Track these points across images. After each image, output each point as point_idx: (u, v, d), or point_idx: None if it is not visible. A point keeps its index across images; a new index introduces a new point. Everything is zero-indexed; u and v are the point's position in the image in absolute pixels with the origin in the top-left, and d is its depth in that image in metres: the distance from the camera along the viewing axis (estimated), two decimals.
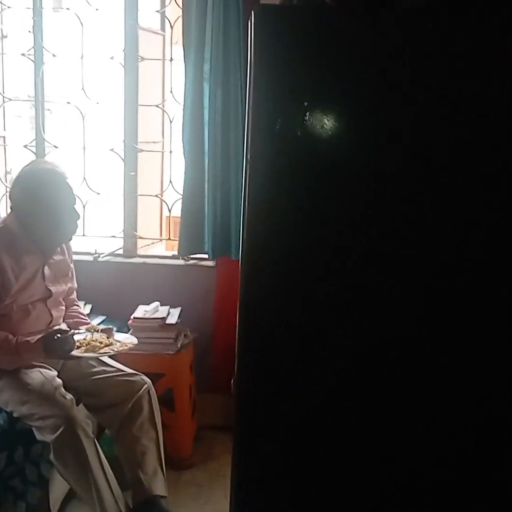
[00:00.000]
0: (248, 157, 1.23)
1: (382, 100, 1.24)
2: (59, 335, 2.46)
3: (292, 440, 1.49)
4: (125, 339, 2.72)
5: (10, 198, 2.63)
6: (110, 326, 2.77)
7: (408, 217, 1.30)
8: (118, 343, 2.65)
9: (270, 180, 1.26)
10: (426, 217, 1.29)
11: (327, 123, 1.20)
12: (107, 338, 2.65)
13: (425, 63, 1.23)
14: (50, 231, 2.62)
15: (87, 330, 2.69)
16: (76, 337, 2.53)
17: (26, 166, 2.64)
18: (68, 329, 2.58)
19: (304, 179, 1.25)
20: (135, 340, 2.72)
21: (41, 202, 2.55)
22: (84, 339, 2.60)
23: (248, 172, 1.25)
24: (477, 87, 1.23)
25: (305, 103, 1.19)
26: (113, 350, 2.60)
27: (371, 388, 1.41)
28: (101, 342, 2.60)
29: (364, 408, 1.43)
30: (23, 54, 3.45)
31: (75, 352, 2.50)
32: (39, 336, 2.49)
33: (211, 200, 3.27)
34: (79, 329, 2.66)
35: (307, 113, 1.20)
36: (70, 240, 2.76)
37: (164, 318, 3.12)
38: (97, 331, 2.68)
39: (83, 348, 2.54)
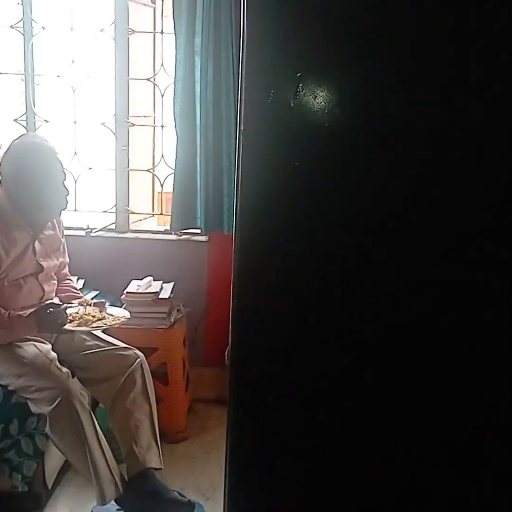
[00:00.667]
0: (241, 128, 1.23)
1: (377, 70, 1.23)
2: (51, 309, 2.47)
3: (286, 412, 1.50)
4: (118, 313, 2.73)
5: (3, 174, 2.61)
6: (103, 300, 2.78)
7: (402, 192, 1.30)
8: (110, 317, 2.67)
9: (263, 152, 1.26)
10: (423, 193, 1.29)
11: (320, 93, 1.20)
12: (100, 312, 2.67)
13: (427, 28, 1.21)
14: (39, 206, 2.61)
15: (80, 304, 2.70)
16: (68, 311, 2.54)
17: (15, 139, 2.62)
18: (61, 303, 2.58)
19: (297, 150, 1.24)
20: (127, 314, 2.73)
21: (30, 176, 2.54)
22: (77, 313, 2.61)
23: (241, 144, 1.25)
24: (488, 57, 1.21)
25: (298, 74, 1.19)
26: (105, 324, 2.62)
27: (371, 359, 1.41)
28: (93, 316, 2.61)
29: (361, 382, 1.44)
30: (11, 27, 3.41)
31: (67, 326, 2.51)
32: (31, 310, 2.50)
33: (203, 174, 3.25)
34: (71, 303, 2.67)
35: (300, 84, 1.19)
36: (59, 215, 2.75)
37: (157, 293, 3.13)
38: (90, 305, 2.69)
39: (75, 322, 2.55)
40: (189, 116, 3.22)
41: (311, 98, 1.21)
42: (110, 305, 2.82)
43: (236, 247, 1.33)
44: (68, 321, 2.52)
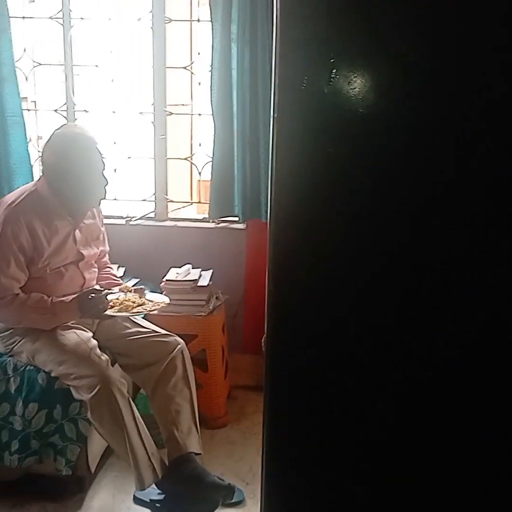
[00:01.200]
0: (275, 115, 1.23)
1: (412, 54, 1.22)
2: (93, 295, 2.52)
3: (321, 401, 1.50)
4: (157, 299, 2.76)
5: (41, 162, 2.67)
6: (142, 287, 2.81)
7: (439, 179, 1.28)
8: (150, 303, 2.70)
9: (297, 138, 1.25)
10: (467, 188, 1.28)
11: (354, 79, 1.19)
12: (139, 298, 2.70)
13: (472, 16, 1.20)
14: (79, 195, 2.65)
15: (120, 290, 2.74)
16: (109, 297, 2.59)
17: (57, 129, 2.66)
18: (102, 289, 2.62)
19: (331, 137, 1.24)
20: (167, 300, 2.77)
21: (71, 166, 2.57)
22: (117, 299, 2.65)
23: (274, 130, 1.25)
24: None
25: (331, 60, 1.18)
26: (145, 309, 2.66)
27: (405, 350, 1.40)
28: (133, 302, 2.65)
29: (397, 373, 1.43)
30: (51, 18, 3.45)
31: (108, 312, 2.56)
32: (73, 296, 2.55)
33: (240, 162, 3.27)
34: (111, 290, 2.71)
35: (334, 70, 1.19)
36: (98, 205, 2.79)
37: (196, 280, 3.16)
38: (130, 291, 2.73)
39: (116, 307, 2.60)
40: (226, 104, 3.23)
41: (345, 84, 1.20)
42: (150, 292, 2.86)
43: (271, 234, 1.33)
44: (109, 307, 2.57)
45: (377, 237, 1.31)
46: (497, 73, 1.21)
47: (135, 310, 2.62)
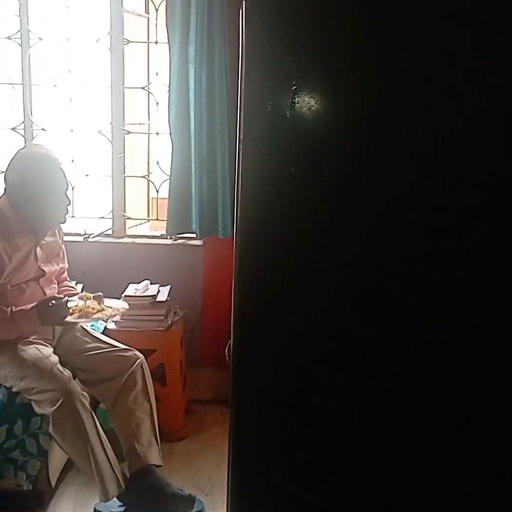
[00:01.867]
0: (241, 137, 1.32)
1: (366, 81, 1.33)
2: (53, 302, 2.55)
3: (288, 407, 1.57)
4: (116, 305, 2.83)
5: (4, 180, 2.69)
6: (100, 293, 2.84)
7: (391, 193, 1.39)
8: (109, 309, 2.76)
9: (261, 158, 1.35)
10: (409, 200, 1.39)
11: (313, 104, 1.29)
12: (99, 304, 2.75)
13: (418, 44, 1.32)
14: (42, 215, 2.69)
15: (79, 298, 2.77)
16: (68, 305, 2.62)
17: (21, 149, 2.71)
18: (61, 296, 2.65)
19: (293, 157, 1.34)
20: (126, 305, 2.84)
21: (34, 186, 2.61)
22: (76, 306, 2.70)
23: (240, 152, 1.34)
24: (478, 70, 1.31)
25: (293, 87, 1.28)
26: (106, 315, 2.71)
27: (373, 355, 1.49)
28: (93, 308, 2.71)
29: (367, 379, 1.51)
30: (9, 38, 3.49)
31: (69, 319, 2.60)
32: (33, 304, 2.57)
33: (198, 180, 3.34)
34: (71, 299, 2.75)
35: (295, 96, 1.29)
36: (61, 224, 2.83)
37: (154, 296, 3.21)
38: (89, 299, 2.77)
39: (76, 314, 2.64)
40: (184, 124, 3.30)
41: (305, 108, 1.31)
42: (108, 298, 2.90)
43: (237, 247, 1.42)
44: (69, 314, 2.61)
45: (337, 249, 1.41)
46: (443, 98, 1.33)
47: (95, 316, 2.68)
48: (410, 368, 1.49)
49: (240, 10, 1.32)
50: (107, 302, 2.82)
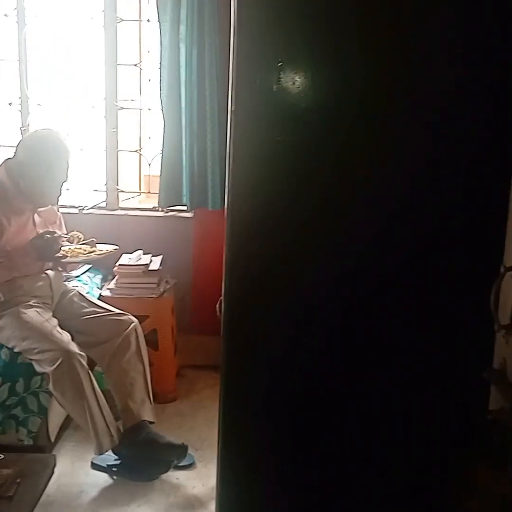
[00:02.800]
0: (233, 109, 1.47)
1: (344, 59, 1.49)
2: (47, 236, 2.71)
3: (277, 368, 1.69)
4: (107, 248, 2.99)
5: (15, 152, 2.83)
6: (93, 238, 3.00)
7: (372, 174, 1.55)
8: (100, 250, 2.95)
9: (250, 129, 1.50)
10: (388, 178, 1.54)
11: (297, 80, 1.45)
12: (90, 247, 2.93)
13: (398, 23, 1.47)
14: (35, 194, 2.84)
15: (69, 241, 2.94)
16: (62, 249, 2.78)
17: (36, 130, 2.89)
18: (55, 231, 2.79)
19: (279, 127, 1.49)
20: (116, 247, 3.00)
21: (37, 168, 2.78)
22: (69, 248, 2.85)
23: (232, 123, 1.50)
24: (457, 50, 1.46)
25: (279, 64, 1.43)
26: (98, 254, 2.90)
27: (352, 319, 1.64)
28: (85, 250, 2.88)
29: (343, 347, 1.65)
30: (6, 15, 3.59)
31: (67, 259, 2.79)
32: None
33: (188, 154, 3.47)
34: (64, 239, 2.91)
35: (281, 72, 1.44)
36: (55, 203, 2.98)
37: (147, 265, 3.36)
38: (80, 238, 2.95)
39: (68, 256, 2.81)
40: (175, 100, 3.43)
41: (290, 83, 1.46)
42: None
43: (228, 220, 1.57)
44: (62, 255, 2.77)
45: (326, 217, 1.57)
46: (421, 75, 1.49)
47: (88, 254, 2.86)
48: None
49: None
50: (99, 246, 2.98)
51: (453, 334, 1.55)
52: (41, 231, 2.87)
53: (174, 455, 2.69)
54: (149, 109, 3.80)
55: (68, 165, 2.85)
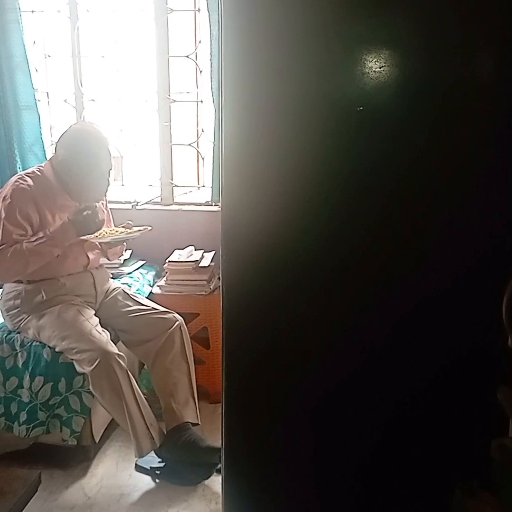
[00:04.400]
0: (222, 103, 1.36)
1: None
2: (87, 212, 2.66)
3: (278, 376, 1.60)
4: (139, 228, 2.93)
5: (54, 151, 2.82)
6: (129, 221, 2.95)
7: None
8: (135, 229, 2.90)
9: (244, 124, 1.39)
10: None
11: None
12: (125, 229, 2.90)
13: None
14: (81, 189, 2.81)
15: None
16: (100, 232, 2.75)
17: (74, 124, 2.85)
18: (94, 205, 2.73)
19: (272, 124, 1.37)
20: (148, 227, 2.94)
21: (79, 161, 2.75)
22: (106, 231, 2.82)
23: (222, 119, 1.39)
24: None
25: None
26: (129, 233, 2.86)
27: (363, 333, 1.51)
28: (118, 231, 2.86)
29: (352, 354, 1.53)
30: (58, 11, 3.59)
31: (103, 239, 2.77)
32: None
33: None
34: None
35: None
36: (98, 200, 2.91)
37: (197, 261, 3.28)
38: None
39: (105, 236, 2.80)
40: None
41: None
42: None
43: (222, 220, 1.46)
44: (99, 235, 2.74)
45: (331, 214, 1.43)
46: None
47: (123, 234, 2.84)
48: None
49: None
50: (135, 228, 2.93)
51: (461, 348, 1.37)
52: None
53: (215, 458, 2.59)
54: (201, 102, 3.71)
55: (109, 153, 2.80)
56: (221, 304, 1.58)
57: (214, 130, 3.40)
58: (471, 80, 1.32)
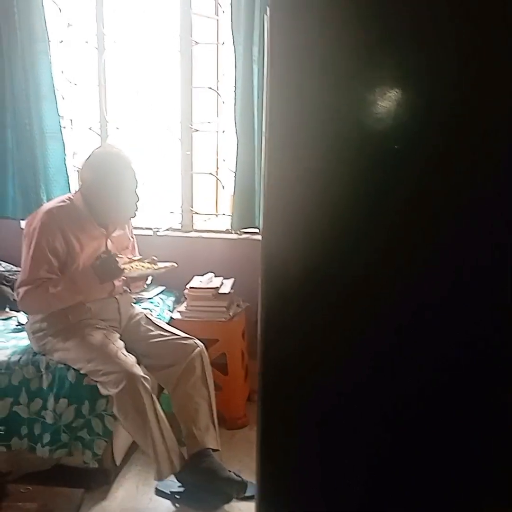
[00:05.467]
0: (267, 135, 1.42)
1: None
2: (103, 255, 2.74)
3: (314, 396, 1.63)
4: (167, 265, 2.97)
5: (80, 178, 2.88)
6: (153, 256, 2.97)
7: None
8: (160, 265, 2.93)
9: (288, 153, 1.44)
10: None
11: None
12: (151, 264, 2.92)
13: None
14: (111, 210, 2.86)
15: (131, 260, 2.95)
16: (125, 266, 2.79)
17: (96, 148, 2.89)
18: (109, 250, 2.82)
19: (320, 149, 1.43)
20: (174, 264, 2.97)
21: (105, 183, 2.79)
22: (131, 266, 2.85)
23: (267, 147, 1.45)
24: None
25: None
26: (155, 270, 2.90)
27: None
28: (144, 267, 2.88)
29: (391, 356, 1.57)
30: (86, 42, 3.69)
31: (128, 273, 2.79)
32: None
33: (261, 176, 3.42)
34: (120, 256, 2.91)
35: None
36: (130, 219, 2.99)
37: (217, 288, 3.33)
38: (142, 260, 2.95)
39: (131, 271, 2.83)
40: (248, 122, 3.41)
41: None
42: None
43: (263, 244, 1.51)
44: (122, 270, 2.77)
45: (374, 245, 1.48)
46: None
47: (148, 268, 2.87)
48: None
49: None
50: (159, 264, 2.96)
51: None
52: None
53: (233, 490, 2.63)
54: (223, 132, 3.79)
55: (134, 171, 2.86)
56: (258, 329, 1.60)
57: (236, 159, 3.47)
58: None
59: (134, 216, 2.94)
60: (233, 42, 3.35)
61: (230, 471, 2.69)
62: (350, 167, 1.44)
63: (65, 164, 3.70)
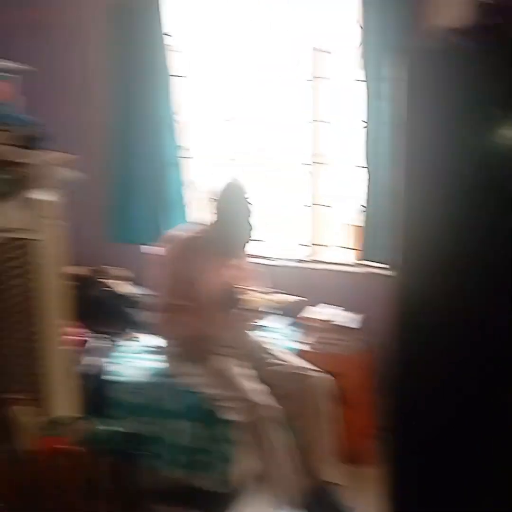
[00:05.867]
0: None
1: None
2: (226, 288, 2.82)
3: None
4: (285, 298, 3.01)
5: (213, 208, 2.97)
6: (274, 289, 3.04)
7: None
8: (277, 299, 2.99)
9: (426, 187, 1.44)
10: None
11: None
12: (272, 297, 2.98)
13: None
14: (228, 236, 2.94)
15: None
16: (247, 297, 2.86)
17: (229, 181, 2.99)
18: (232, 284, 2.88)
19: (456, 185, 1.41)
20: (297, 298, 3.03)
21: (223, 211, 2.90)
22: (253, 296, 2.91)
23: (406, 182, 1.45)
24: None
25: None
26: (278, 304, 2.97)
27: None
28: (266, 298, 2.95)
29: None
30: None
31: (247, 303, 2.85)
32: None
33: (392, 210, 3.40)
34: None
35: None
36: (246, 244, 3.03)
37: (342, 322, 3.34)
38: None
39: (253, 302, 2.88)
40: (379, 157, 3.41)
41: None
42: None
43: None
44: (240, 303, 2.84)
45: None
46: None
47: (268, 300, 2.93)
48: None
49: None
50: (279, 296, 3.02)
51: None
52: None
53: None
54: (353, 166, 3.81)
55: (248, 205, 2.93)
56: (388, 366, 1.58)
57: (366, 194, 3.48)
58: None
59: (248, 242, 3.00)
60: (365, 77, 3.37)
61: (351, 508, 2.65)
62: (493, 208, 1.41)
63: (181, 193, 3.89)
